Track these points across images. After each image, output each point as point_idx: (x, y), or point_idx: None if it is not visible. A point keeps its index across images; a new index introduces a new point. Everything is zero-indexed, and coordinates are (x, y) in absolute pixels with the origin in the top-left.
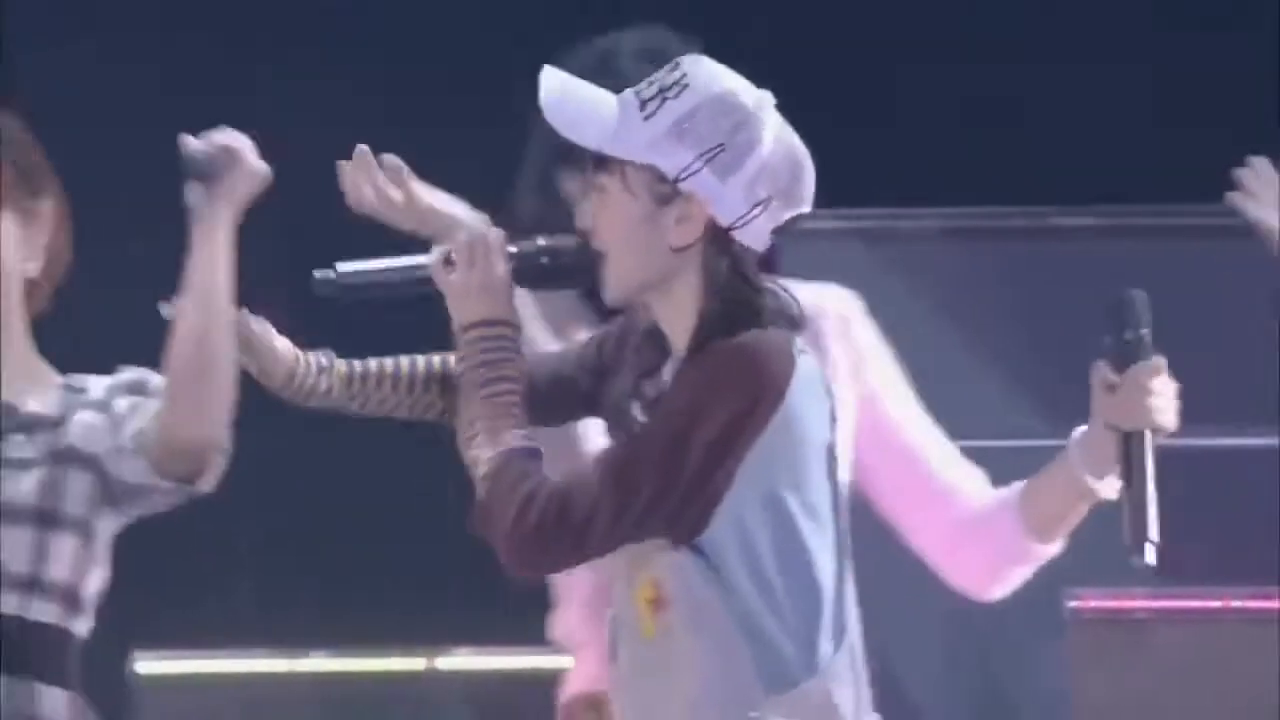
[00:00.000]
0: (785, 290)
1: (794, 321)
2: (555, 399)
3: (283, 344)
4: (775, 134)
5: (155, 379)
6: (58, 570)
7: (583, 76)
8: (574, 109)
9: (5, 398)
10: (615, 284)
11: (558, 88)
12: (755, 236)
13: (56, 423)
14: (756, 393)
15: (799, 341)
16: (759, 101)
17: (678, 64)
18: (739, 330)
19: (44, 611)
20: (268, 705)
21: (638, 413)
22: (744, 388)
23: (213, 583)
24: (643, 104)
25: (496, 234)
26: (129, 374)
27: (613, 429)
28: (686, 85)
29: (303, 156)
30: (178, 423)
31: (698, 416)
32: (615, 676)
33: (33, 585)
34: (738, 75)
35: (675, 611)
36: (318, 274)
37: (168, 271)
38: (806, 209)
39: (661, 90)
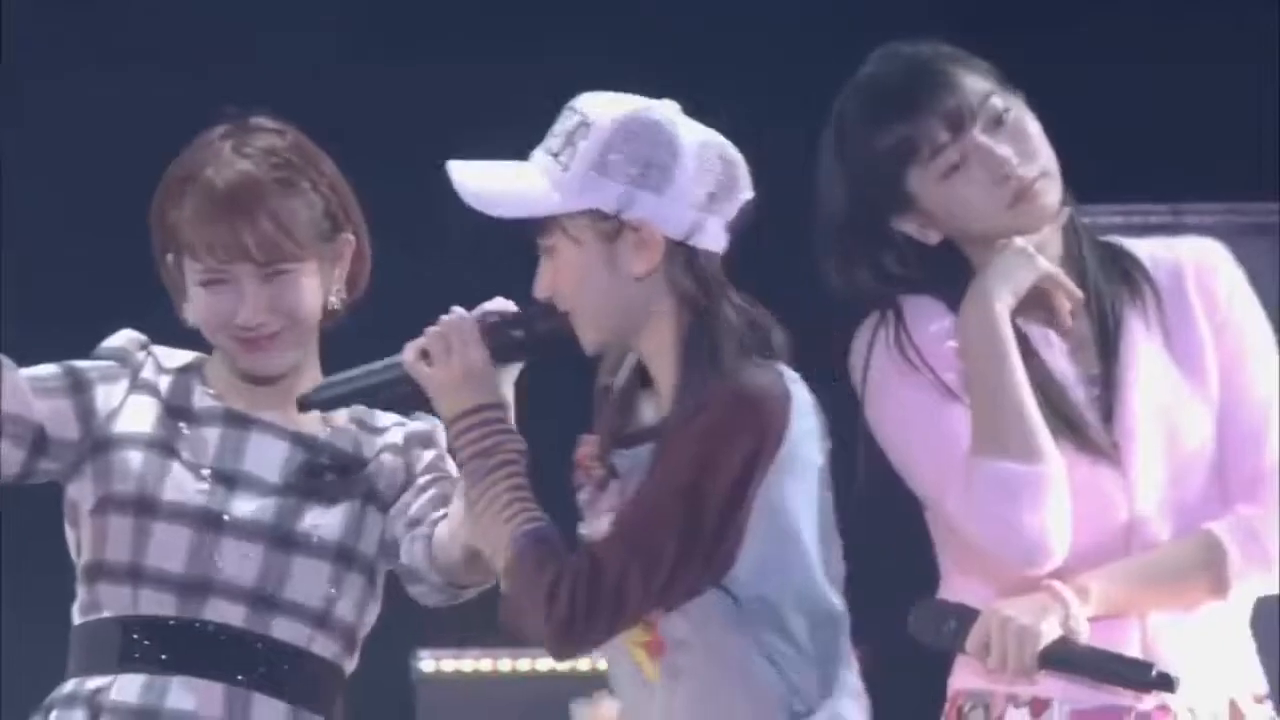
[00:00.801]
0: (755, 303)
1: (766, 335)
2: None
3: None
4: (691, 135)
5: (441, 433)
6: (345, 609)
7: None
8: (494, 189)
9: (306, 429)
10: (591, 333)
11: (471, 174)
12: (713, 238)
13: (362, 463)
14: (761, 434)
15: (784, 370)
16: (664, 112)
17: (572, 108)
18: (723, 348)
19: (327, 648)
20: (545, 703)
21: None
22: (749, 431)
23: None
24: (556, 156)
25: (468, 319)
26: (422, 424)
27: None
28: (589, 123)
29: None
30: (474, 567)
31: (707, 468)
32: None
33: (323, 621)
34: (632, 96)
35: (687, 653)
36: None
37: None
38: (750, 194)
39: (568, 137)
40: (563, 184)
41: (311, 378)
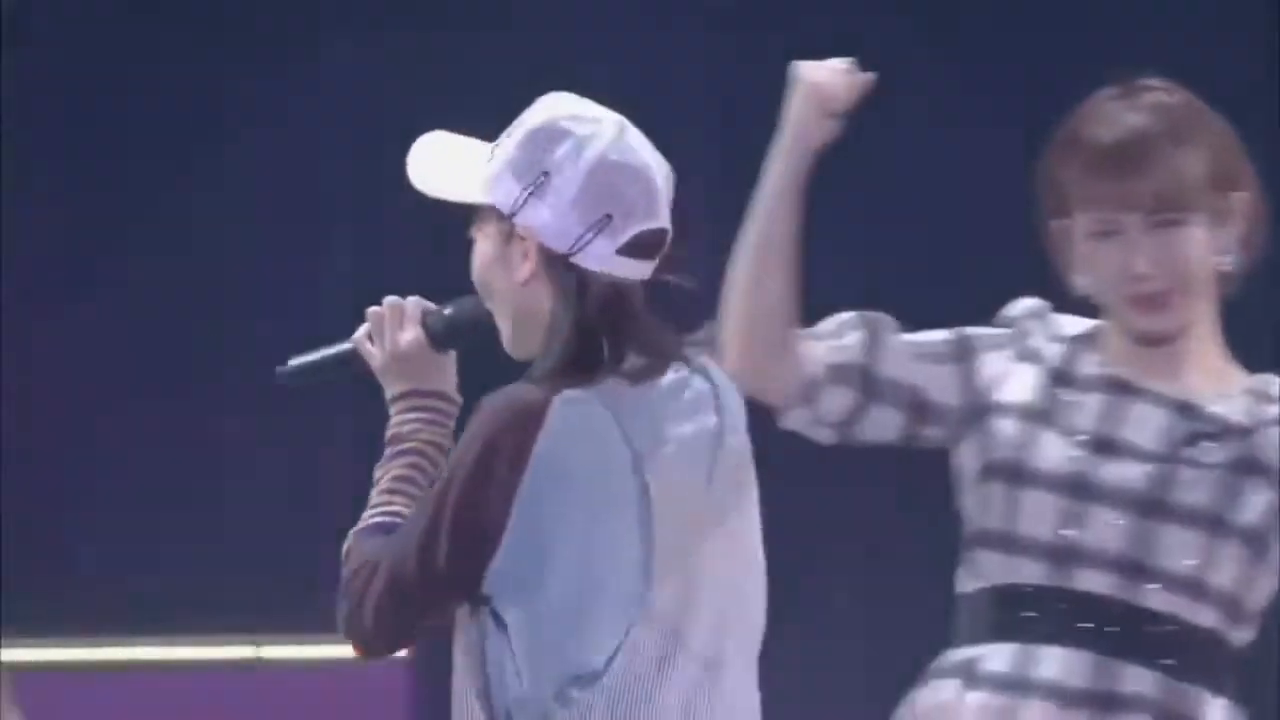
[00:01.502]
0: (662, 328)
1: (651, 365)
2: None
3: None
4: (607, 152)
5: None
6: (1221, 578)
7: None
8: (428, 164)
9: (1194, 398)
10: (504, 328)
11: (426, 144)
12: (599, 259)
13: (1246, 431)
14: (491, 443)
15: (593, 393)
16: (591, 126)
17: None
18: (543, 362)
19: (1203, 617)
20: None
21: None
22: (481, 439)
23: None
24: (492, 149)
25: (410, 302)
26: None
27: None
28: (522, 121)
29: None
30: None
31: (452, 474)
32: None
33: (1196, 589)
34: (589, 103)
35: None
36: (278, 369)
37: None
38: (659, 224)
39: (509, 131)
40: (482, 177)
41: (1205, 349)
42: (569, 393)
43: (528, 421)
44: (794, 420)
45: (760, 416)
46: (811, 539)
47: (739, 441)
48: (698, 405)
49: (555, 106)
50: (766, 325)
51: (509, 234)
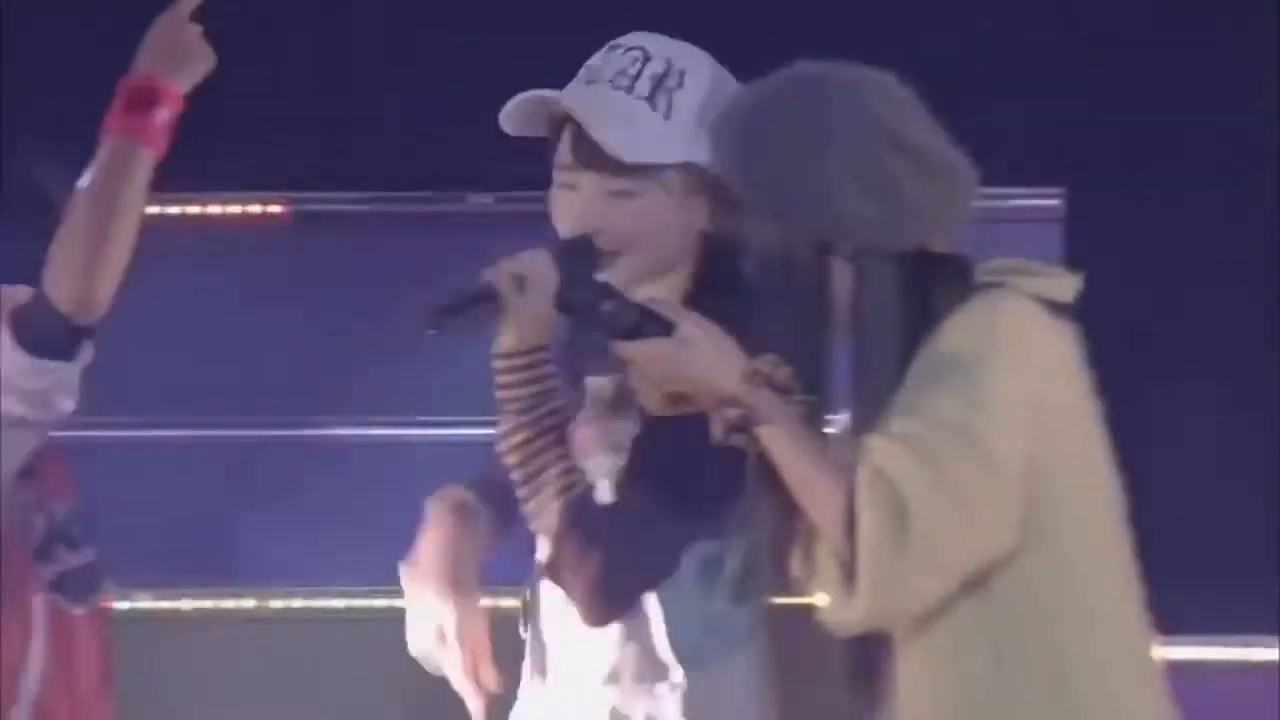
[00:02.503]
0: None
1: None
2: None
3: None
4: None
5: None
6: None
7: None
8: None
9: None
10: (632, 282)
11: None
12: None
13: None
14: None
15: None
16: (713, 64)
17: (639, 48)
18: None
19: None
20: None
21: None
22: None
23: None
24: (650, 102)
25: (544, 259)
26: None
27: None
28: (683, 70)
29: None
30: None
31: None
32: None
33: None
34: (680, 42)
35: None
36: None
37: None
38: None
39: (657, 82)
40: (667, 133)
41: None
42: None
43: None
44: None
45: None
46: None
47: None
48: None
49: (687, 51)
50: None
51: (699, 186)
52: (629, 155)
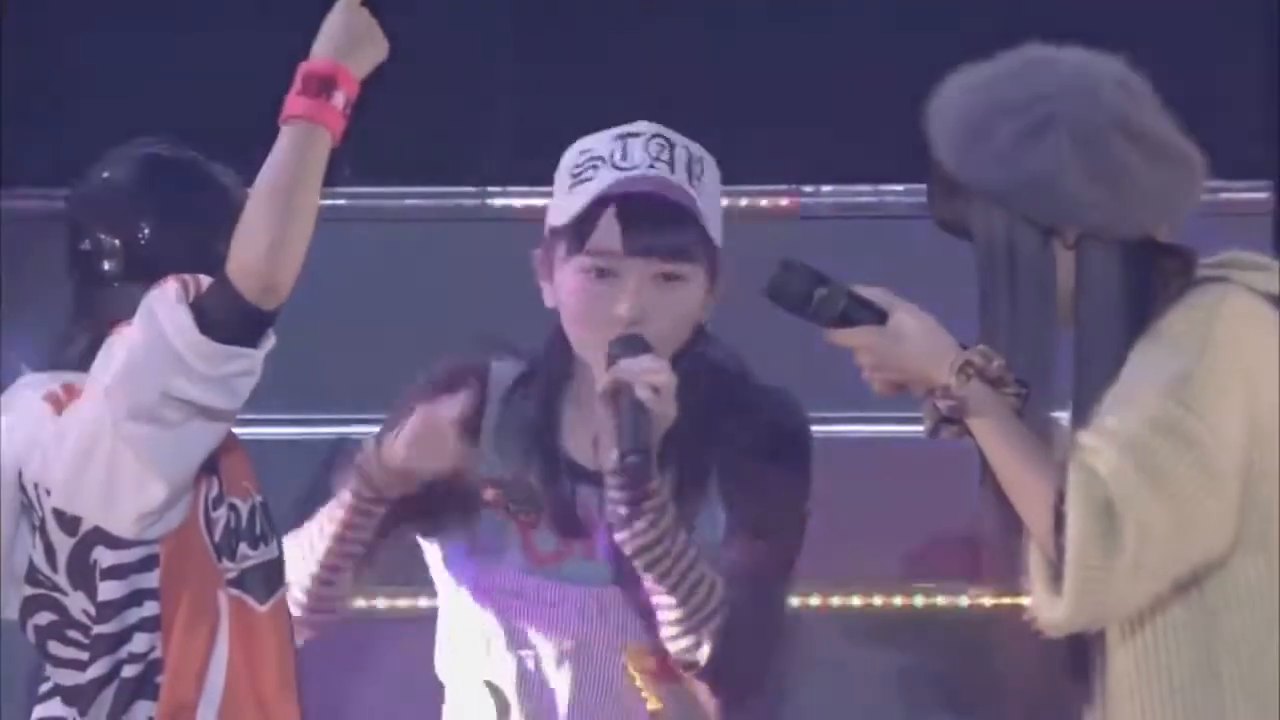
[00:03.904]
0: None
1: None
2: None
3: None
4: None
5: None
6: None
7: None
8: (713, 209)
9: None
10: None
11: (683, 192)
12: None
13: None
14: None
15: None
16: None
17: (665, 138)
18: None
19: None
20: None
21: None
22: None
23: None
24: (696, 188)
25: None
26: None
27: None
28: (702, 159)
29: None
30: None
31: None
32: None
33: None
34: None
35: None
36: (628, 461)
37: None
38: None
39: (689, 169)
40: (710, 215)
41: None
42: None
43: None
44: None
45: None
46: None
47: None
48: None
49: (683, 138)
50: None
51: (716, 270)
52: (718, 240)
